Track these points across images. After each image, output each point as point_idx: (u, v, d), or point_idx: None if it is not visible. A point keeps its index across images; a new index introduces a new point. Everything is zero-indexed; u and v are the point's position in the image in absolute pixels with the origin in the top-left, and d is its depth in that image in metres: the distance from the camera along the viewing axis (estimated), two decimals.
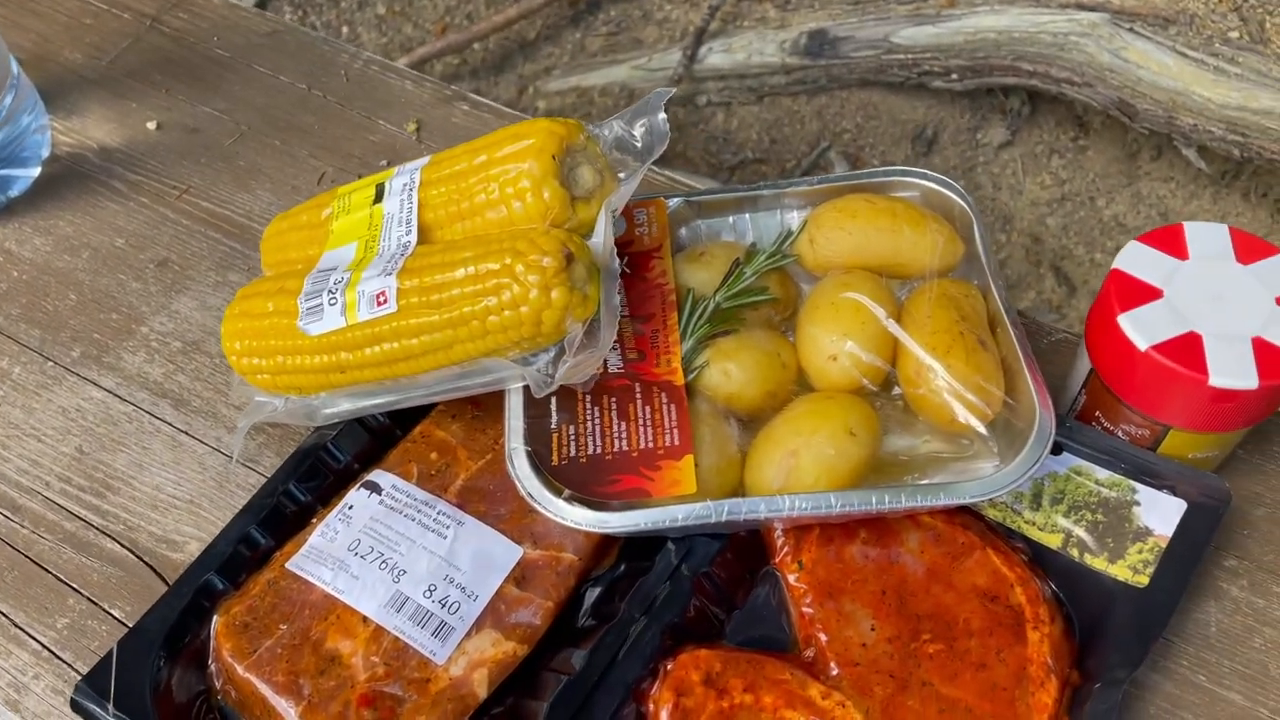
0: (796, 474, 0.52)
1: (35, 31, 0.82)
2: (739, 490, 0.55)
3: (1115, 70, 1.09)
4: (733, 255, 0.60)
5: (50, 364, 0.65)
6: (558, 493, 0.52)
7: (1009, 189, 1.28)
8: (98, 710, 0.49)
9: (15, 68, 0.70)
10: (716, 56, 1.31)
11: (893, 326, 0.55)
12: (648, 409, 0.55)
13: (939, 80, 1.25)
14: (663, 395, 0.55)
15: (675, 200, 0.63)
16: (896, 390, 0.57)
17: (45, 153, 0.73)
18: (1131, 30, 1.08)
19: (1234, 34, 1.06)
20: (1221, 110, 1.04)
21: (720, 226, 0.65)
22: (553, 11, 1.40)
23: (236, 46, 0.81)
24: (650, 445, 0.54)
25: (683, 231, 0.64)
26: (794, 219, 0.64)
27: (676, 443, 0.54)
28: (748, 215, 0.65)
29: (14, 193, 0.72)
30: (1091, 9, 1.11)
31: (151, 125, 0.76)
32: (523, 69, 1.41)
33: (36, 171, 0.73)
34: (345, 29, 1.47)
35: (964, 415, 0.53)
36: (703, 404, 0.56)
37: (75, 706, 0.50)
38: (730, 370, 0.56)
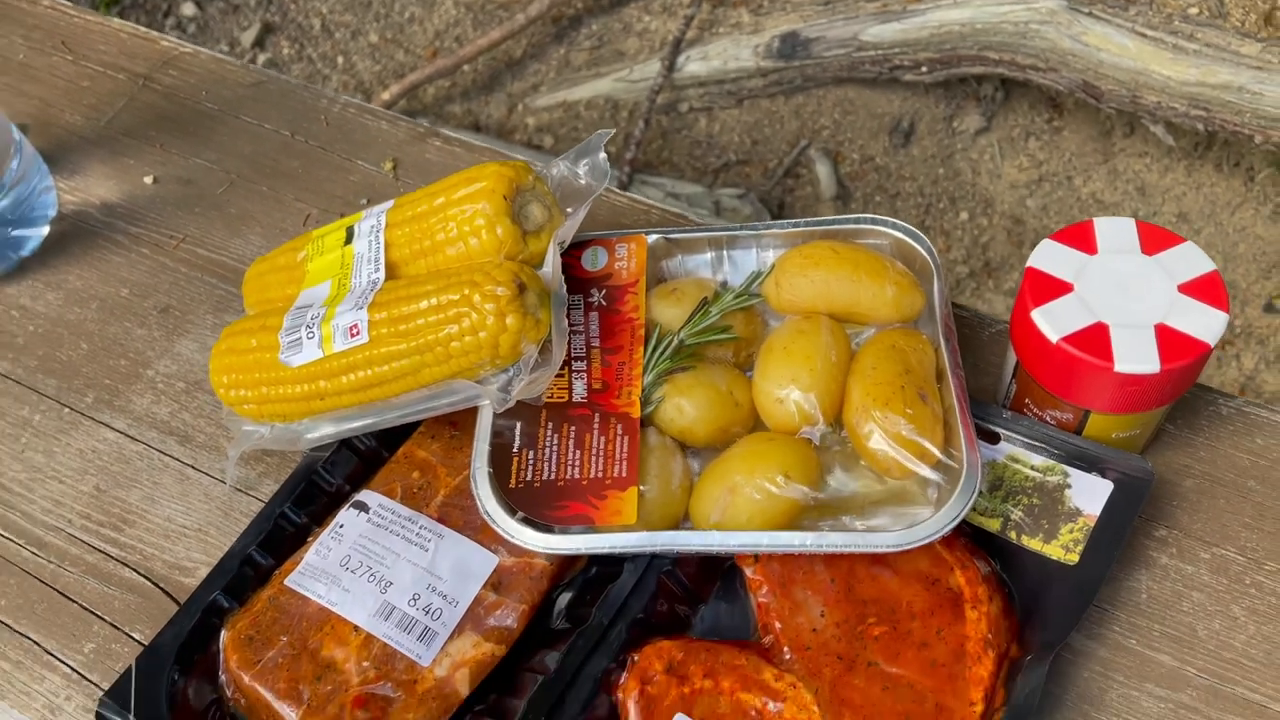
0: (732, 511, 0.56)
1: (37, 97, 0.88)
2: (684, 518, 0.58)
3: (1076, 54, 1.11)
4: (703, 293, 0.62)
5: (67, 410, 0.71)
6: (511, 513, 0.57)
7: (988, 173, 1.31)
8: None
9: (17, 134, 0.76)
10: (694, 64, 1.35)
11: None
12: (602, 439, 0.59)
13: (910, 74, 1.28)
14: (619, 427, 0.59)
15: (654, 237, 0.66)
16: (845, 432, 0.58)
17: (52, 212, 0.79)
18: (1090, 14, 1.10)
19: (1193, 10, 1.08)
20: (1183, 87, 1.07)
21: (698, 263, 0.67)
22: (537, 30, 1.45)
23: (224, 99, 0.86)
24: (600, 475, 0.58)
25: (665, 264, 0.67)
26: (770, 257, 0.66)
27: (624, 474, 0.57)
28: (725, 253, 0.67)
29: (25, 252, 0.78)
30: None
31: (148, 180, 0.82)
32: (511, 87, 1.46)
33: (45, 230, 0.79)
34: (340, 59, 1.52)
35: (899, 463, 0.55)
36: (655, 437, 0.59)
37: (99, 719, 0.55)
38: (684, 406, 0.59)
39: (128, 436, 0.69)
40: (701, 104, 1.38)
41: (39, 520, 0.66)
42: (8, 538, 0.65)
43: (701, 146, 1.37)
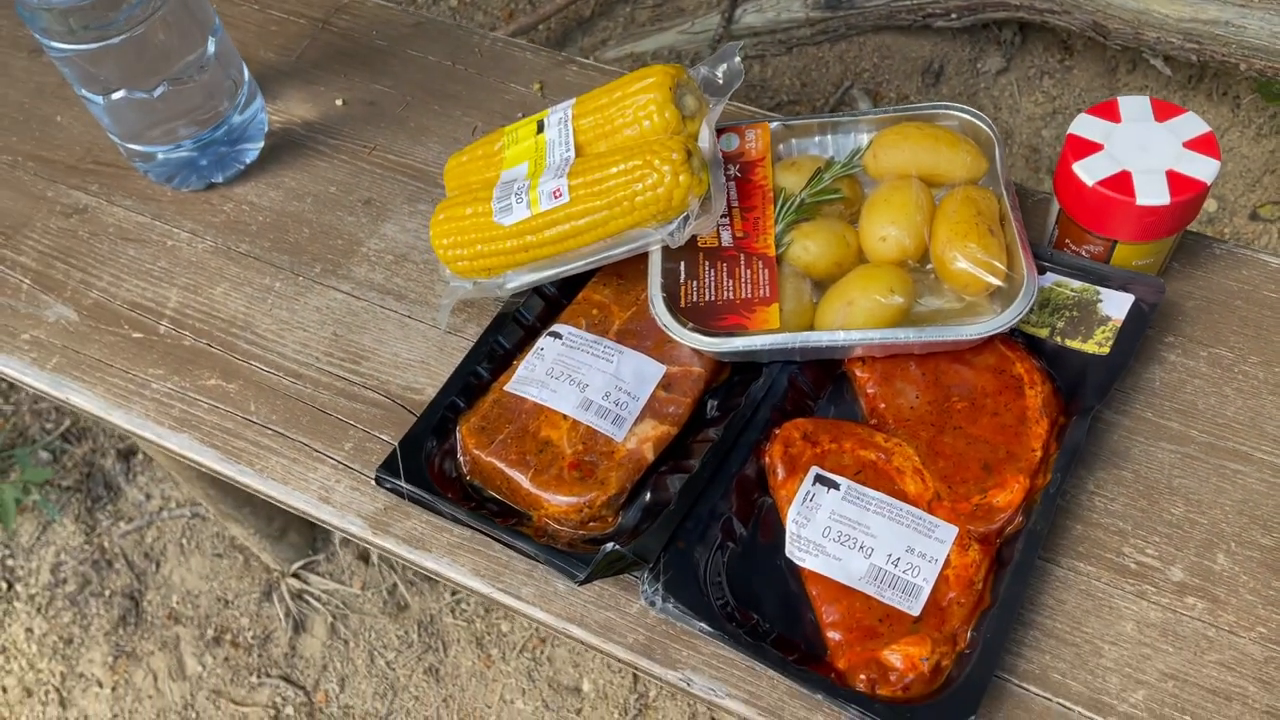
0: (850, 317, 0.74)
1: (234, 39, 1.05)
2: (811, 328, 0.77)
3: None
4: (816, 165, 0.81)
5: (300, 278, 0.89)
6: (683, 324, 0.75)
7: (1008, 109, 1.50)
8: (396, 482, 0.73)
9: (246, 72, 0.94)
10: (750, 16, 1.53)
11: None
12: (748, 271, 0.78)
13: (941, 20, 1.46)
14: (759, 262, 0.78)
15: (775, 124, 0.85)
16: (930, 265, 0.77)
17: (265, 129, 0.97)
18: None
19: None
20: (1179, 23, 1.25)
21: (809, 144, 0.86)
22: None
23: (392, 37, 1.04)
24: (749, 295, 0.76)
25: (781, 147, 0.86)
26: (864, 139, 0.84)
27: (767, 294, 0.76)
28: (829, 136, 0.85)
29: (249, 160, 0.96)
30: None
31: (339, 102, 1.00)
32: (582, 43, 1.63)
33: (261, 144, 0.97)
34: None
35: (976, 278, 0.73)
36: (787, 269, 0.78)
37: (379, 482, 0.74)
38: (808, 246, 0.78)
39: (353, 296, 0.88)
40: (755, 52, 1.56)
41: (291, 359, 0.84)
42: (269, 372, 0.84)
43: (755, 89, 1.55)
